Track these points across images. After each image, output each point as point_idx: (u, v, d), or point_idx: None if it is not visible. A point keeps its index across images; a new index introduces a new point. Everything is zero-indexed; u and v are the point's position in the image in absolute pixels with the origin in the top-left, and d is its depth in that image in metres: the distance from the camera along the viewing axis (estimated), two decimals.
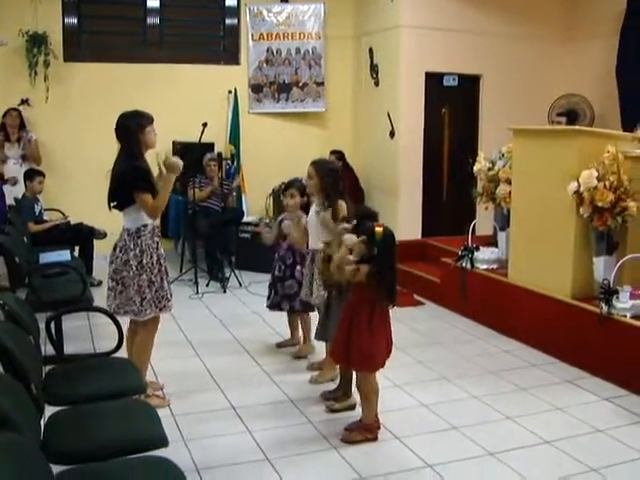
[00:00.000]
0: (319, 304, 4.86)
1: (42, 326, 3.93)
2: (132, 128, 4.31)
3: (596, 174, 5.21)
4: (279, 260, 5.51)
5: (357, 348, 3.91)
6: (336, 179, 4.80)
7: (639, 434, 4.18)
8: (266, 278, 7.68)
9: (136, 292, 4.29)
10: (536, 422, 4.32)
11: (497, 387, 4.93)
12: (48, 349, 4.56)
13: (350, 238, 3.89)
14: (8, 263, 5.62)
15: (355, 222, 3.96)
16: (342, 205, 4.71)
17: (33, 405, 2.70)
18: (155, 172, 4.43)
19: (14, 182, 7.93)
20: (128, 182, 4.25)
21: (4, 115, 8.22)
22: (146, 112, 4.42)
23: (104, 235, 7.59)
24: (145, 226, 4.34)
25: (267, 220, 7.41)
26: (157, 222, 4.54)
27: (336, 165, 5.19)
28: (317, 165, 4.84)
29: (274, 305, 5.57)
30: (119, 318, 4.11)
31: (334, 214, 4.66)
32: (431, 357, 5.54)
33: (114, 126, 4.38)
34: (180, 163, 4.38)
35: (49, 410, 3.12)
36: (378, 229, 3.82)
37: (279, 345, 5.77)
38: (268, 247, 5.71)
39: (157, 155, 4.42)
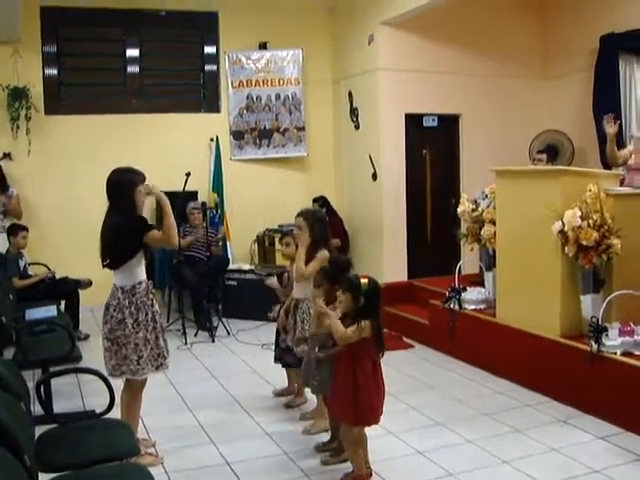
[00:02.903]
0: (300, 352, 4.84)
1: (30, 385, 3.87)
2: (124, 184, 4.25)
3: (579, 213, 5.27)
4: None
5: (366, 403, 3.85)
6: (323, 228, 4.90)
7: (636, 473, 4.16)
8: (253, 325, 7.76)
9: (133, 350, 4.22)
10: (533, 465, 4.29)
11: (492, 430, 4.90)
12: (37, 408, 4.48)
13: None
14: None
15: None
16: (324, 255, 4.78)
17: (27, 476, 2.65)
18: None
19: None
20: (129, 234, 4.20)
21: None
22: (138, 170, 4.37)
23: (89, 283, 7.57)
24: (140, 283, 4.29)
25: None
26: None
27: (322, 214, 5.27)
28: (306, 215, 4.93)
29: (277, 359, 5.50)
30: (115, 380, 4.01)
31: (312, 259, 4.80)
32: (424, 402, 5.50)
33: (104, 180, 4.31)
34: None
35: (42, 476, 3.06)
36: (364, 280, 3.83)
37: (277, 394, 5.70)
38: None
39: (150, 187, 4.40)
